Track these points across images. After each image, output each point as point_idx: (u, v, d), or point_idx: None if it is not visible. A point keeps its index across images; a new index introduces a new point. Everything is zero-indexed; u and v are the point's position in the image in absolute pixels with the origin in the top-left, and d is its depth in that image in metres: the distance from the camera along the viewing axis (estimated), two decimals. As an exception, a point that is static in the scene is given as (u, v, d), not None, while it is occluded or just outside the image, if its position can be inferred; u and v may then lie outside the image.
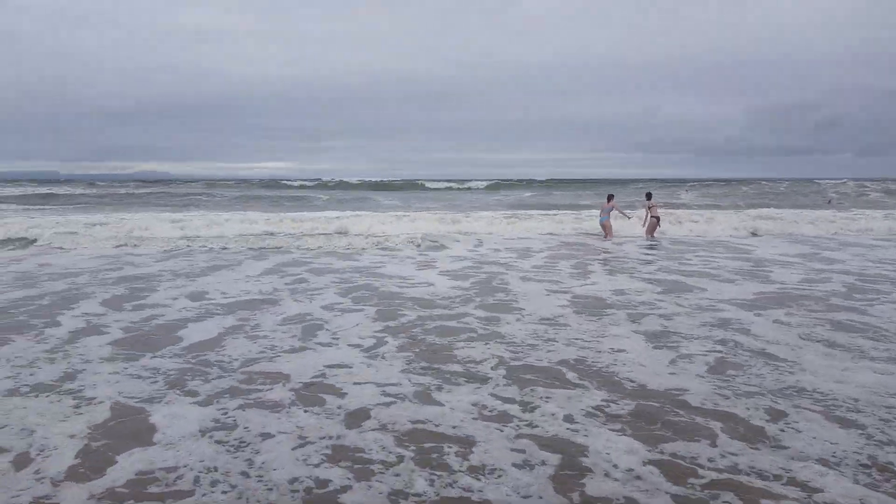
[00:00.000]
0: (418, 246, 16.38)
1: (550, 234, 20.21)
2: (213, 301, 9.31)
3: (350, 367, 6.09)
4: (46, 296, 9.80)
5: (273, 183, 76.67)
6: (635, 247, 16.73)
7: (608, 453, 4.22)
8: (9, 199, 45.09)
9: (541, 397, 5.26)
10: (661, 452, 4.24)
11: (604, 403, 5.12)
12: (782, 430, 4.59)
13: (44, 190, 58.29)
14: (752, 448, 4.30)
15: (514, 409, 5.00)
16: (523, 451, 4.25)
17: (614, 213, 19.14)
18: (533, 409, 4.99)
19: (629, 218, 20.00)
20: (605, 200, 19.34)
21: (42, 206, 38.66)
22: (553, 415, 4.87)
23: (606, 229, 19.11)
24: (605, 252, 15.64)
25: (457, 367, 6.07)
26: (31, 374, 5.92)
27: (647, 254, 15.27)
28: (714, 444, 4.37)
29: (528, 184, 78.24)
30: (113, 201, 43.58)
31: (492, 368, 6.05)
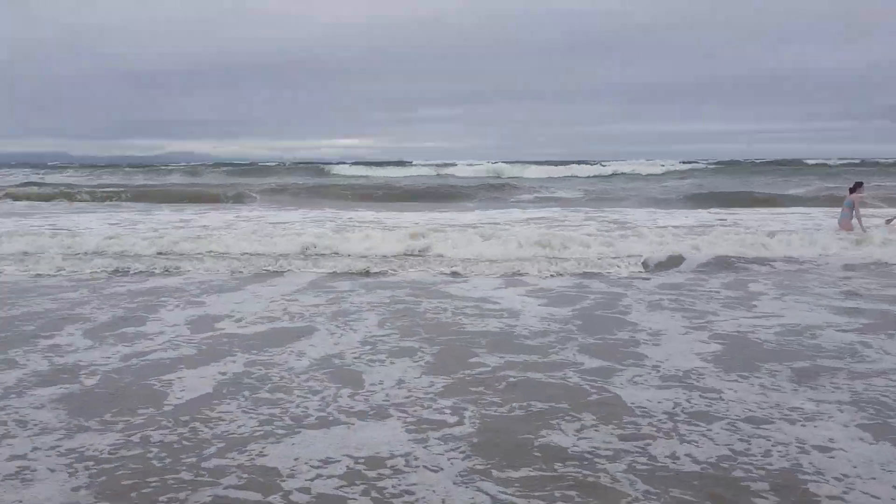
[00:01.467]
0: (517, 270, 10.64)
1: (721, 237, 11.77)
2: (223, 331, 6.34)
3: (392, 468, 3.22)
4: (28, 318, 6.86)
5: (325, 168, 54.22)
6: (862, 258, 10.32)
7: None
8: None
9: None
10: None
11: None
12: None
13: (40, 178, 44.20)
14: None
15: None
16: None
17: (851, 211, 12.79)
18: None
19: (864, 231, 12.32)
20: (847, 191, 13.12)
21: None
22: None
23: (843, 228, 12.72)
24: (800, 266, 9.84)
25: (560, 471, 3.17)
26: None
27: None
28: None
29: (710, 168, 47.62)
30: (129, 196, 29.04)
31: (618, 475, 3.12)
